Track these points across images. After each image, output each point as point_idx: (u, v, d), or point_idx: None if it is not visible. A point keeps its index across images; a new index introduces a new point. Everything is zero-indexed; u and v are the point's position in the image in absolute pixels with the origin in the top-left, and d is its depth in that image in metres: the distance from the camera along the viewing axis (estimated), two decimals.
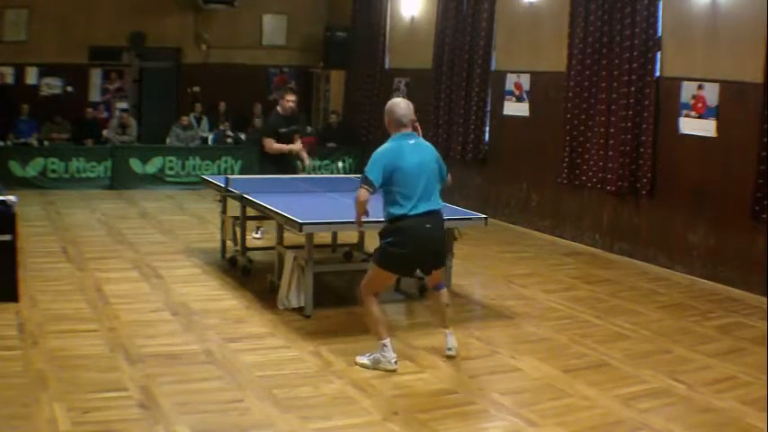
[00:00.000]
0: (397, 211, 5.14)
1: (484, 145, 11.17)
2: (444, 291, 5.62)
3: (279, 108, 8.96)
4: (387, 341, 5.25)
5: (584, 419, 4.64)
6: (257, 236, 8.88)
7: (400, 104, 5.29)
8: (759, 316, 6.88)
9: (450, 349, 5.50)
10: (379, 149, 5.26)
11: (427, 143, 5.40)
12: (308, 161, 9.21)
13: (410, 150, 5.17)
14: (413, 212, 5.11)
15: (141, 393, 4.68)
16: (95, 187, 12.37)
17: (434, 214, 5.22)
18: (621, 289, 7.71)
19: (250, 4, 14.41)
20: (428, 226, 5.15)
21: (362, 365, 5.27)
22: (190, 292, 6.91)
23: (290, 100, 8.89)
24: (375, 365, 5.25)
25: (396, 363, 5.23)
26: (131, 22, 13.70)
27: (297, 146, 8.84)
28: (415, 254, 5.19)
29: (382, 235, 5.26)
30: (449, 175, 5.50)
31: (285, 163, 8.85)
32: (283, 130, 8.82)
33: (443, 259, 5.53)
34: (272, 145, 8.76)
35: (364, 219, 5.35)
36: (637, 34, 8.59)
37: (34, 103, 13.07)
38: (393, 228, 5.17)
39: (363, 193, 5.14)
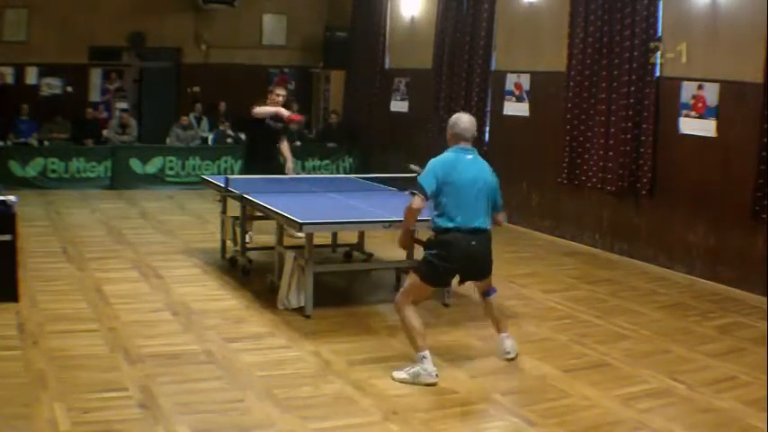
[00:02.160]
0: (444, 223, 5.06)
1: (484, 145, 11.16)
2: (494, 296, 5.48)
3: (269, 103, 8.71)
4: (426, 353, 5.04)
5: (585, 419, 4.64)
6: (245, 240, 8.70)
7: (463, 119, 5.24)
8: (759, 316, 6.88)
9: (508, 353, 5.44)
10: (436, 158, 5.18)
11: (487, 166, 5.26)
12: (290, 162, 8.98)
13: (466, 164, 5.11)
14: (460, 227, 5.02)
15: (141, 393, 4.68)
16: (95, 187, 12.37)
17: (481, 233, 5.10)
18: (621, 289, 7.70)
19: (250, 4, 14.42)
20: (473, 243, 5.06)
21: (402, 381, 5.03)
22: (190, 292, 6.91)
23: (280, 94, 8.73)
24: (415, 379, 5.01)
25: (437, 375, 5.02)
26: (131, 22, 13.71)
27: (284, 111, 8.48)
28: (458, 269, 5.17)
29: (427, 246, 5.20)
30: (503, 214, 5.39)
31: (273, 164, 8.70)
32: (270, 122, 8.64)
33: (485, 272, 5.32)
34: (261, 108, 8.52)
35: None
36: (637, 34, 8.59)
37: (34, 103, 13.09)
38: (438, 240, 5.09)
39: (417, 200, 5.04)
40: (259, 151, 8.67)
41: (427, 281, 5.15)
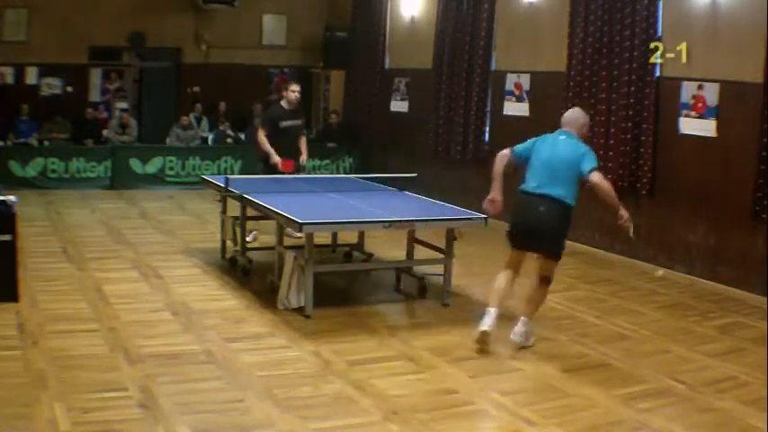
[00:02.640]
0: (522, 184, 5.76)
1: (484, 145, 11.16)
2: (542, 287, 5.82)
3: (283, 102, 8.82)
4: (489, 309, 5.63)
5: (584, 419, 4.64)
6: (248, 239, 8.71)
7: (567, 112, 6.08)
8: (759, 316, 6.88)
9: (515, 333, 5.74)
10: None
11: (577, 144, 5.72)
12: (305, 155, 8.96)
13: (555, 143, 5.77)
14: (527, 190, 5.69)
15: (141, 393, 4.68)
16: (95, 187, 12.36)
17: (550, 200, 5.59)
18: (621, 289, 7.70)
19: (250, 4, 14.41)
20: (541, 209, 5.59)
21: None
22: (190, 292, 6.91)
23: (295, 90, 8.72)
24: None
25: (481, 329, 5.58)
26: (131, 22, 13.70)
27: (276, 159, 8.50)
28: (519, 226, 5.75)
29: None
30: (597, 174, 5.60)
31: (296, 164, 8.74)
32: (286, 123, 8.68)
33: (547, 244, 5.70)
34: (263, 140, 8.59)
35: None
36: (637, 34, 8.59)
37: (34, 103, 13.07)
38: (515, 203, 5.79)
39: (505, 149, 5.93)
40: (282, 150, 8.65)
41: (508, 241, 5.83)
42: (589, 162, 5.62)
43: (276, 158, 8.56)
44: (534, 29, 10.24)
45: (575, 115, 5.94)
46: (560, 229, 5.71)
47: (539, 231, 5.64)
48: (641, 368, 5.50)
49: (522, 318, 5.78)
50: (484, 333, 5.58)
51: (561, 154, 5.67)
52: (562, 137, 5.79)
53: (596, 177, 5.60)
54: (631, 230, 5.77)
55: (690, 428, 4.57)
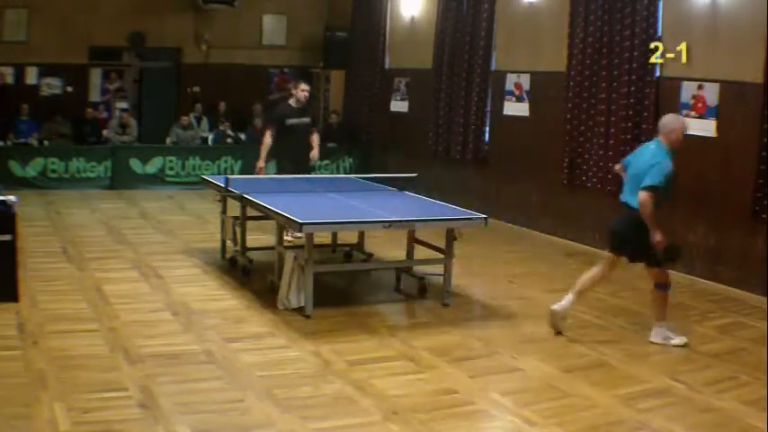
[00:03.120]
0: None
1: (484, 145, 11.17)
2: (654, 293, 6.10)
3: (291, 100, 8.88)
4: (568, 294, 6.10)
5: (584, 419, 4.64)
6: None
7: (664, 116, 6.15)
8: (759, 316, 6.88)
9: (651, 336, 6.04)
10: None
11: (655, 155, 5.79)
12: (316, 150, 8.96)
13: (643, 150, 6.00)
14: (621, 197, 6.03)
15: (141, 393, 4.68)
16: (95, 187, 12.36)
17: (624, 206, 5.93)
18: (621, 289, 7.69)
19: (250, 4, 14.41)
20: (619, 214, 6.00)
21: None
22: (190, 292, 6.91)
23: (305, 89, 8.79)
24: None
25: (552, 306, 6.08)
26: (131, 22, 13.70)
27: (261, 164, 8.76)
28: (607, 231, 6.23)
29: None
30: (641, 192, 5.67)
31: (299, 158, 8.76)
32: (293, 121, 8.73)
33: (625, 249, 6.00)
34: (266, 141, 8.70)
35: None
36: (637, 34, 8.59)
37: (34, 103, 13.07)
38: None
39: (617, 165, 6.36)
40: (290, 147, 8.68)
41: None
42: (650, 178, 5.68)
43: (261, 163, 8.75)
44: (534, 29, 10.24)
45: (663, 121, 6.00)
46: (631, 236, 5.85)
47: (613, 235, 6.06)
48: (641, 368, 5.50)
49: (656, 324, 6.06)
50: (550, 310, 6.09)
51: (638, 162, 5.86)
52: (652, 145, 5.92)
53: (642, 196, 5.68)
54: (659, 253, 5.88)
55: (690, 428, 4.57)
